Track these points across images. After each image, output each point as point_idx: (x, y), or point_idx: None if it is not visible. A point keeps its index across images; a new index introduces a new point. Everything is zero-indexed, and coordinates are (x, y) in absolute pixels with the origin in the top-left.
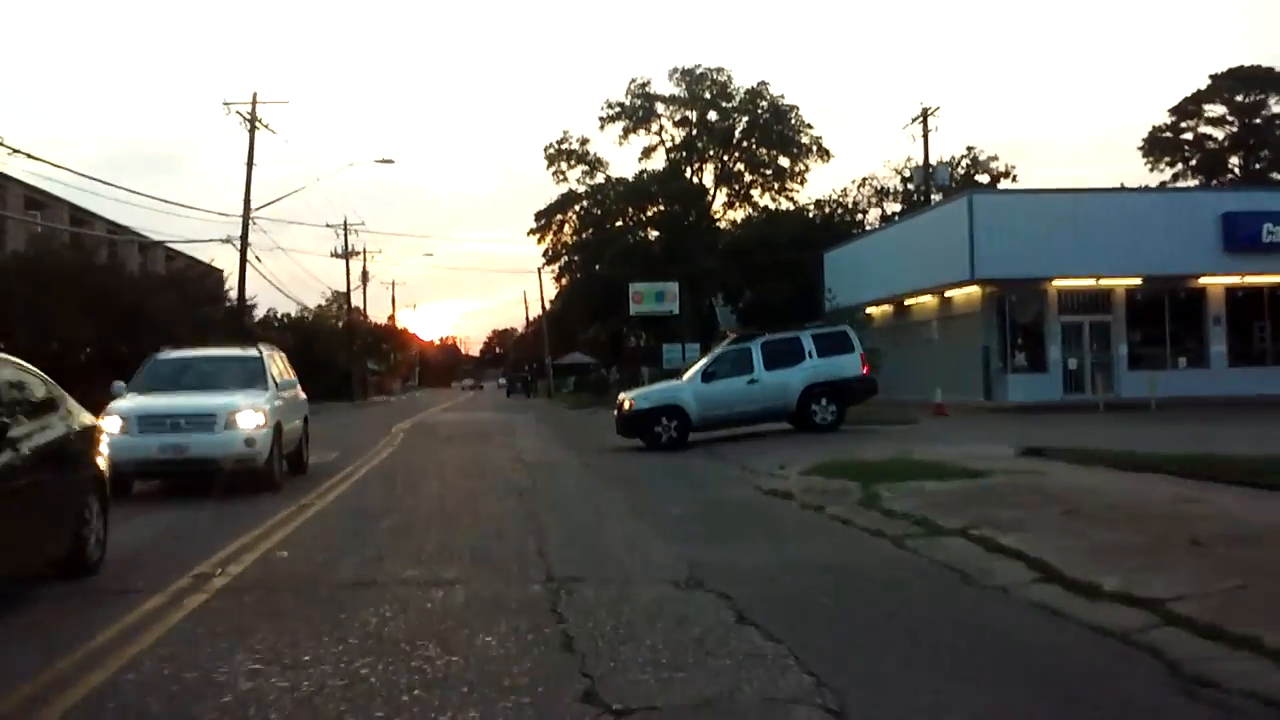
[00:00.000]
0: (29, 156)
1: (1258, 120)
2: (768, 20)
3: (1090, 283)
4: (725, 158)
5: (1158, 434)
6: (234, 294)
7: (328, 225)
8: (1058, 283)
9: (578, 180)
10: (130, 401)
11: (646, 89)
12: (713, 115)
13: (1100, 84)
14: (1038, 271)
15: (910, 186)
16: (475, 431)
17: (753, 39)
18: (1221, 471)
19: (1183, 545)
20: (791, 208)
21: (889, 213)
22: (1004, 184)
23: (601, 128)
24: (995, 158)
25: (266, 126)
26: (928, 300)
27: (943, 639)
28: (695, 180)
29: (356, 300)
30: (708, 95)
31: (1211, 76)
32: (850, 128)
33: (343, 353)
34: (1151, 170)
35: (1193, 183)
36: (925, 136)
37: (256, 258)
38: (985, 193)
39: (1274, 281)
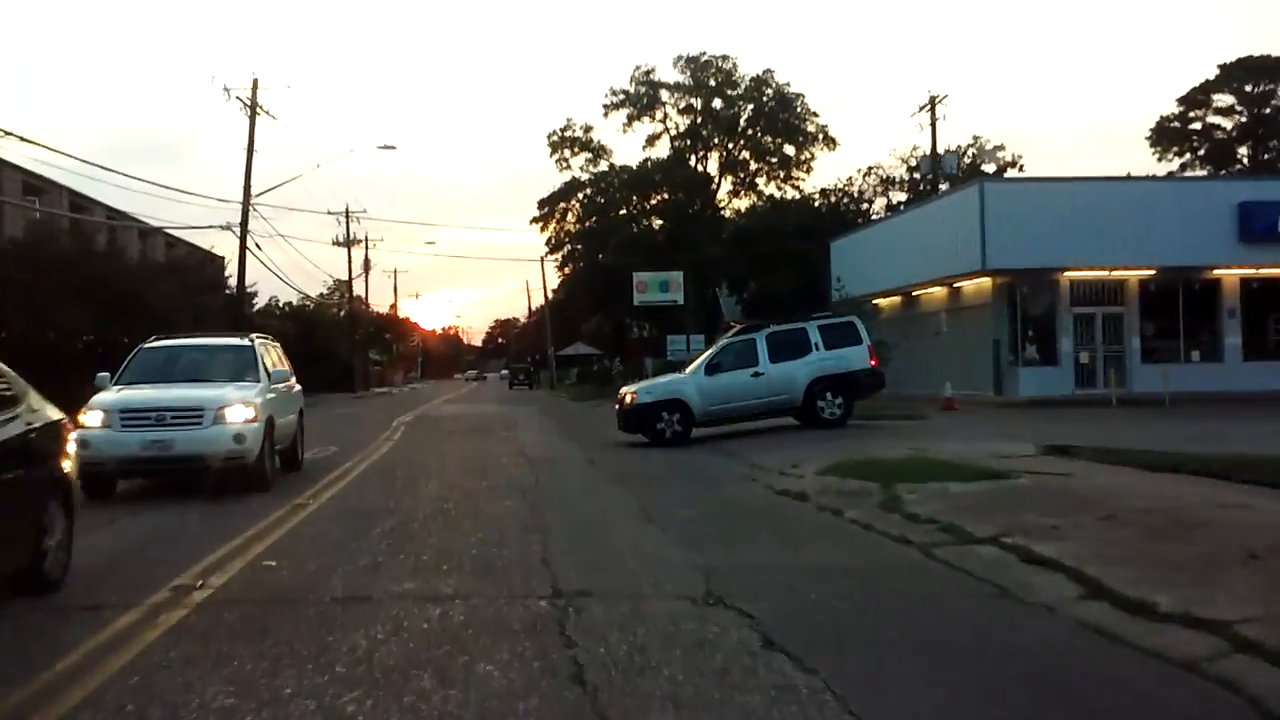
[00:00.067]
0: (21, 139)
1: (1267, 110)
2: (773, 7)
3: (1103, 273)
4: (730, 146)
5: (1176, 430)
6: (234, 282)
7: (329, 213)
8: (1070, 273)
9: (581, 168)
10: (114, 395)
11: (651, 76)
12: (717, 103)
13: (1102, 76)
14: (1049, 262)
15: (917, 176)
16: (477, 425)
17: (758, 26)
18: (1257, 473)
19: (1238, 558)
20: (797, 197)
21: (895, 202)
22: (1010, 174)
23: (605, 115)
24: (1002, 147)
25: (267, 112)
26: (936, 291)
27: (992, 669)
28: (700, 168)
29: (358, 289)
30: (712, 83)
31: (1220, 66)
32: (854, 117)
33: (344, 342)
34: (1160, 160)
35: (1200, 173)
36: (933, 125)
37: (257, 245)
38: (997, 181)
39: None
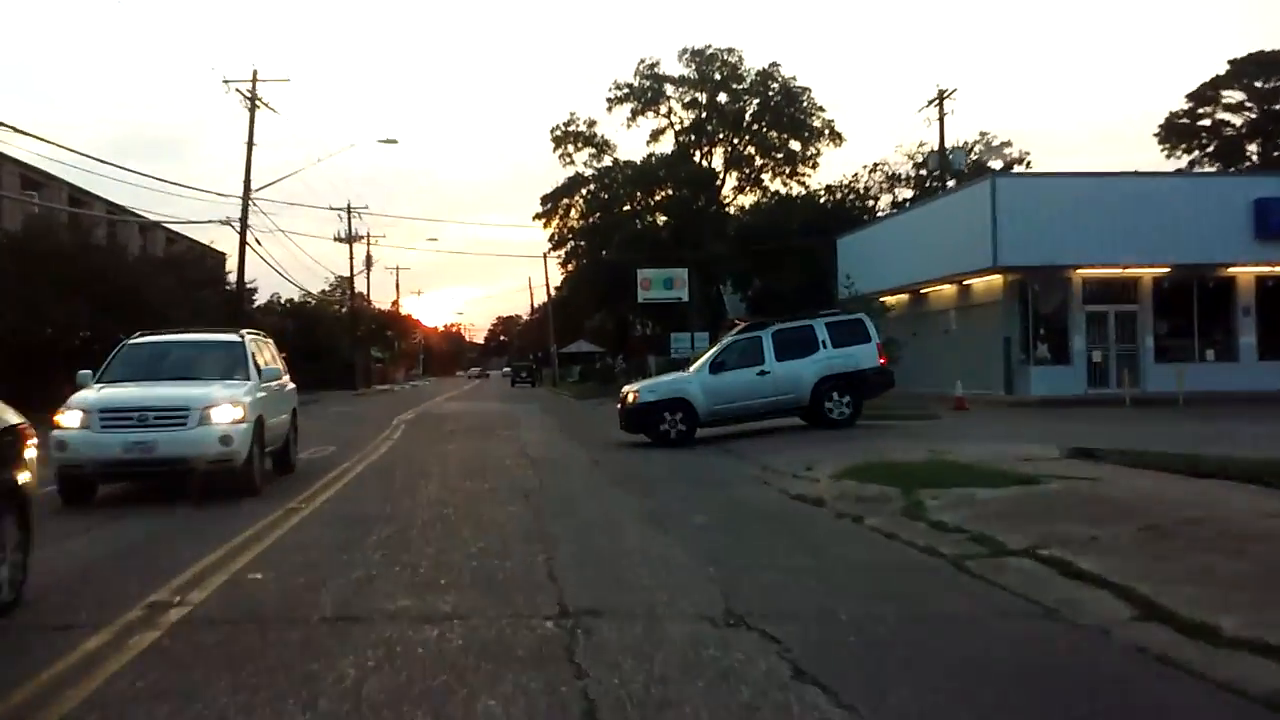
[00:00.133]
0: (14, 130)
1: (1278, 106)
2: (779, 1)
3: (1116, 270)
4: (735, 141)
5: (1196, 432)
6: (234, 277)
7: (331, 208)
8: (1082, 270)
9: (585, 163)
10: (94, 394)
11: (656, 70)
12: (723, 97)
13: (1109, 73)
14: (1062, 258)
15: (923, 172)
16: (479, 424)
17: (763, 19)
18: None
19: None
20: (803, 193)
21: (900, 199)
22: (1017, 170)
23: (609, 109)
24: (1009, 143)
25: (267, 105)
26: (945, 288)
27: (1050, 706)
28: (704, 164)
29: (360, 286)
30: (718, 76)
31: (1230, 62)
32: (859, 114)
33: (346, 339)
34: (1168, 157)
35: (1210, 169)
36: (941, 119)
37: (257, 240)
38: (1009, 176)
39: None
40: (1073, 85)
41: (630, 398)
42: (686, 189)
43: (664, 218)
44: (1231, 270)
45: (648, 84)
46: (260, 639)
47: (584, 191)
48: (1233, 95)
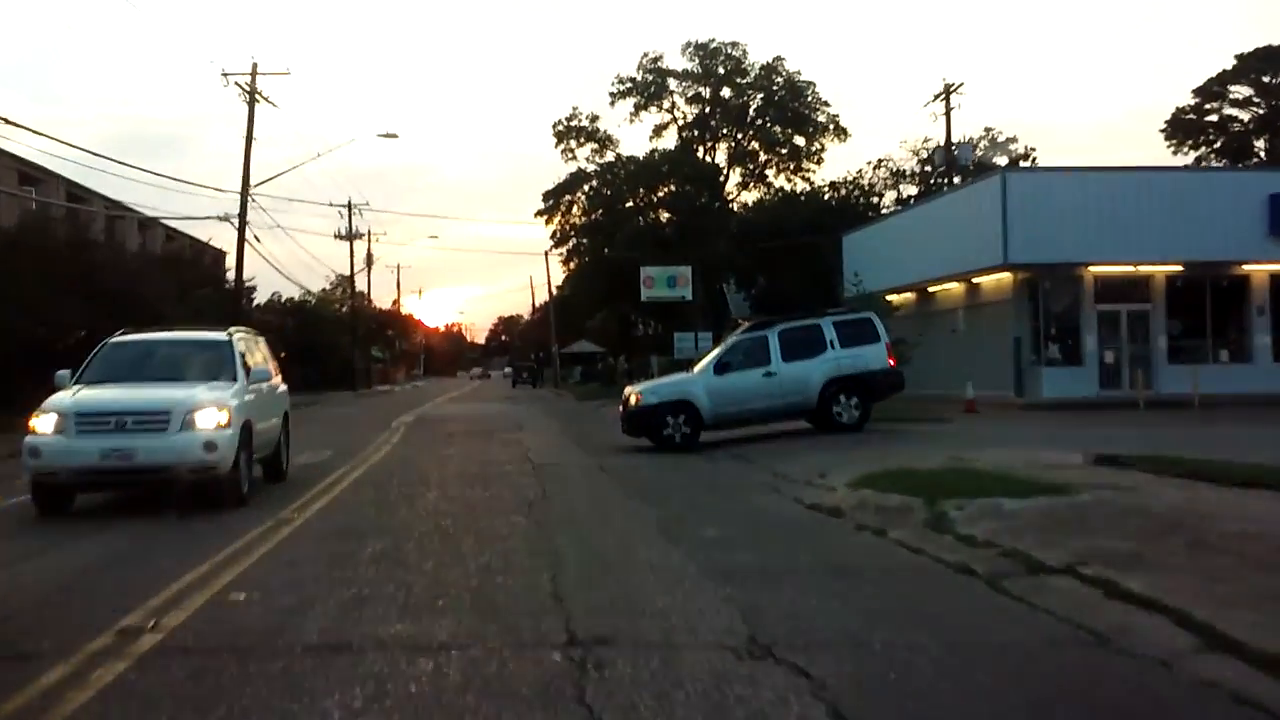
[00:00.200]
0: (9, 123)
1: None
2: None
3: (1128, 268)
4: (739, 136)
5: (1219, 435)
6: (233, 275)
7: (331, 204)
8: (1094, 268)
9: (587, 159)
10: (70, 396)
11: (659, 64)
12: (726, 92)
13: (1114, 68)
14: (1073, 256)
15: (929, 168)
16: (480, 427)
17: (767, 13)
18: None
19: None
20: (807, 189)
21: (905, 195)
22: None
23: (612, 104)
24: (1014, 139)
25: (267, 99)
26: (954, 287)
27: None
28: (708, 159)
29: (361, 284)
30: (722, 71)
31: (1238, 57)
32: (862, 109)
33: (346, 339)
34: (1175, 153)
35: (1218, 165)
36: (948, 114)
37: (255, 238)
38: (1019, 171)
39: None
40: (1078, 81)
41: (633, 400)
42: (690, 185)
43: (667, 214)
44: (1245, 268)
45: (651, 78)
46: (238, 671)
47: (586, 188)
48: (1240, 90)
